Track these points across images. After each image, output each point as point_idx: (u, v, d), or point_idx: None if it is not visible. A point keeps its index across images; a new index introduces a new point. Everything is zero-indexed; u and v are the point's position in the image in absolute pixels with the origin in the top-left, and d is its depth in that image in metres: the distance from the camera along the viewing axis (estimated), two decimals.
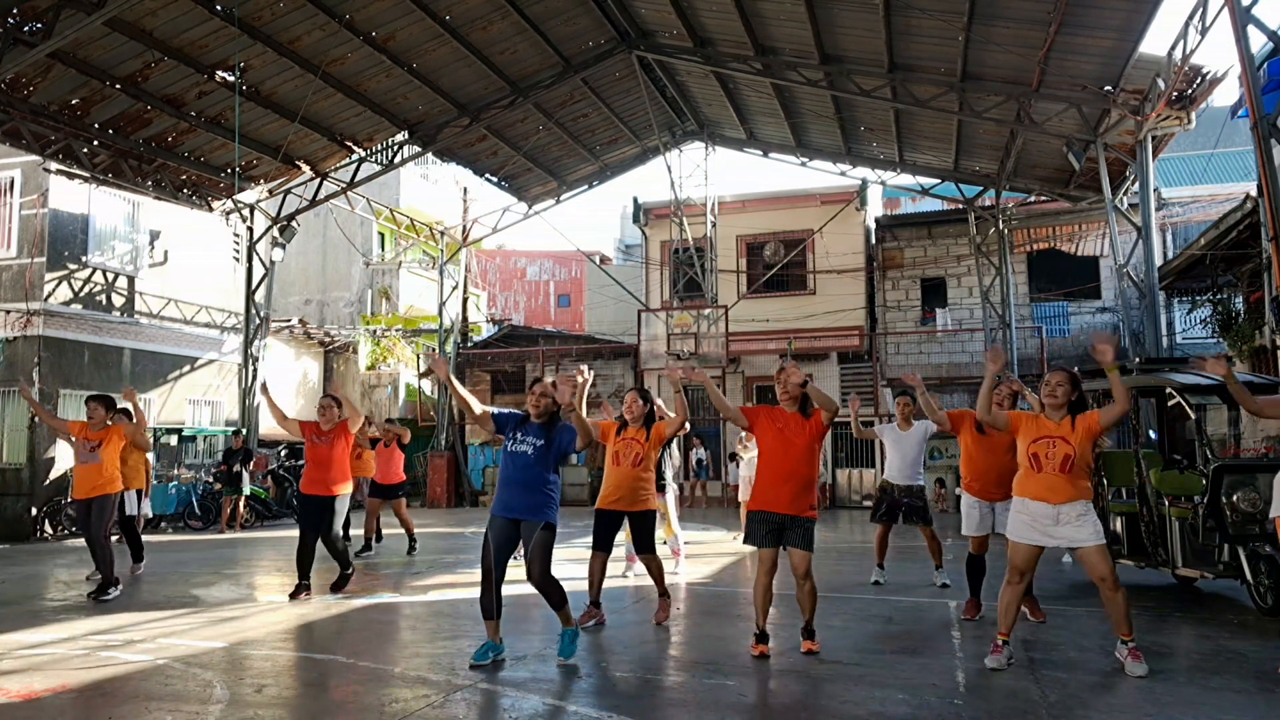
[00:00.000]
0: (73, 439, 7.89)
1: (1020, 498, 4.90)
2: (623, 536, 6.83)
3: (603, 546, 6.19)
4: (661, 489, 8.26)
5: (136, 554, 9.27)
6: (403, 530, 10.66)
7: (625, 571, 8.38)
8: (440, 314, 21.29)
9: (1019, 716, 4.07)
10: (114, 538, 12.14)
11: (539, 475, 5.01)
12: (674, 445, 8.90)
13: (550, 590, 5.02)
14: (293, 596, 7.38)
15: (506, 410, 5.31)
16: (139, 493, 9.62)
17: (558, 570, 5.17)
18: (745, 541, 5.34)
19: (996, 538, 6.34)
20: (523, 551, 5.08)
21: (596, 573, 6.17)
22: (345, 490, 7.61)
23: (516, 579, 5.45)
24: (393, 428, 10.80)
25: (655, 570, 6.29)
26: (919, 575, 8.10)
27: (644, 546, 6.26)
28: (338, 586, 7.63)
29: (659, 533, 8.92)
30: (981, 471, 6.25)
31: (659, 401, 8.06)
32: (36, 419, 14.26)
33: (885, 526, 7.89)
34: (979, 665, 4.95)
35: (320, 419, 7.63)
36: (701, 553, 10.35)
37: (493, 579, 4.99)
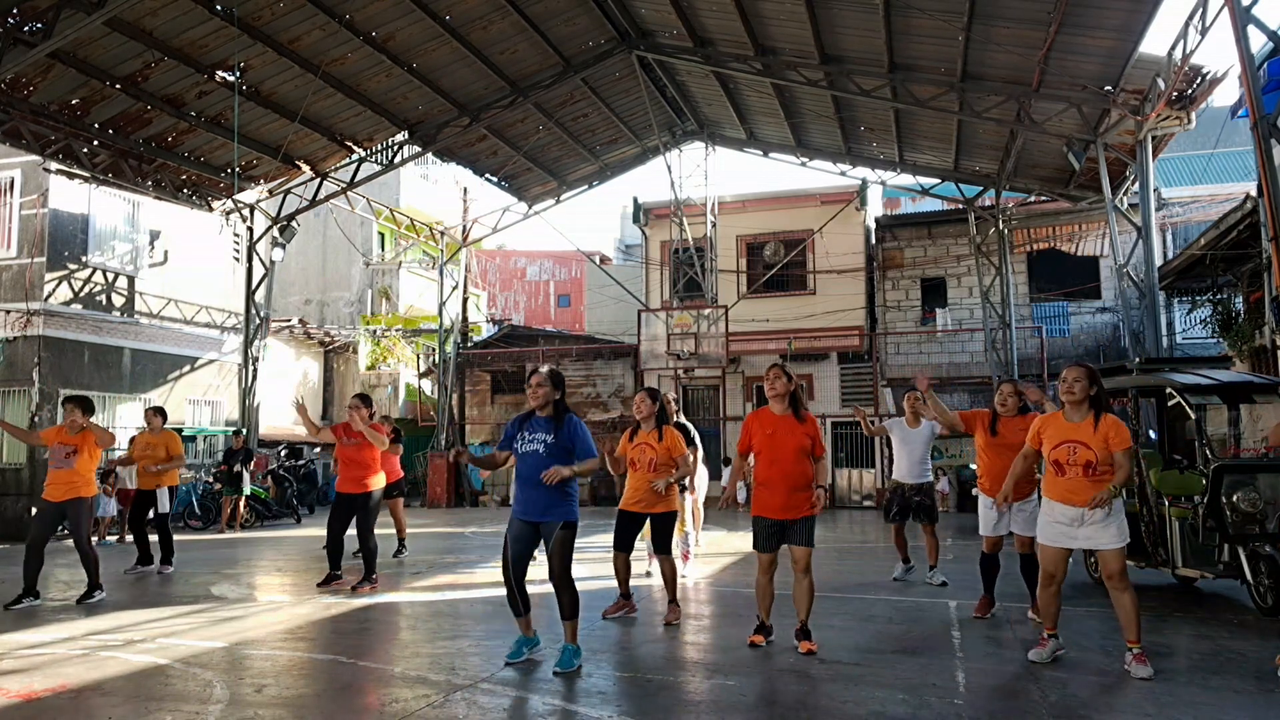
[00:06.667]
0: (48, 448, 7.43)
1: (1047, 499, 4.95)
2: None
3: (623, 546, 6.34)
4: (681, 488, 8.28)
5: (167, 554, 9.27)
6: (393, 530, 10.59)
7: (648, 569, 8.39)
8: (440, 314, 21.29)
9: (1019, 716, 4.08)
10: (113, 537, 12.12)
11: None
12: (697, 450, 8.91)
13: (566, 594, 4.89)
14: (321, 586, 7.61)
15: (506, 433, 5.17)
16: (171, 490, 9.58)
17: (579, 569, 5.15)
18: (753, 546, 5.42)
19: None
20: (544, 549, 5.00)
21: (621, 569, 6.38)
22: (378, 484, 7.82)
23: (533, 578, 5.44)
24: (385, 425, 10.77)
25: (668, 573, 6.37)
26: (919, 575, 8.10)
27: (661, 546, 6.39)
28: (359, 586, 7.65)
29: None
30: (996, 472, 6.20)
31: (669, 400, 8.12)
32: (36, 420, 14.27)
33: (900, 525, 7.97)
34: (979, 665, 4.96)
35: (349, 419, 7.77)
36: (702, 552, 10.34)
37: (512, 580, 4.95)
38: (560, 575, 4.88)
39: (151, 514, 9.47)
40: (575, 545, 5.00)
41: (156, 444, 9.35)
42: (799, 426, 5.26)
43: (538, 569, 5.10)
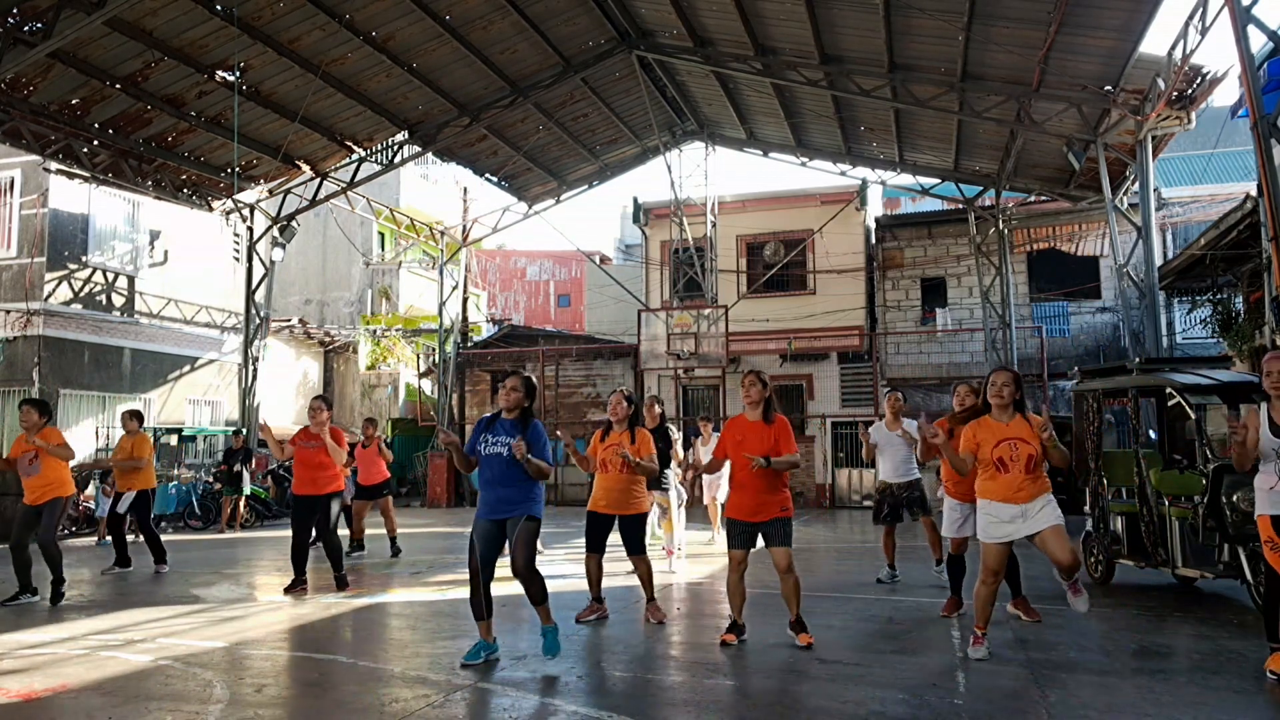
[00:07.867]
0: (16, 461, 7.43)
1: (986, 500, 5.02)
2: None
3: (596, 548, 6.30)
4: (663, 487, 8.29)
5: (157, 555, 9.28)
6: (384, 530, 10.52)
7: (631, 571, 8.40)
8: (440, 314, 21.29)
9: (1019, 716, 4.08)
10: (106, 535, 12.06)
11: (516, 474, 4.98)
12: (677, 446, 8.88)
13: (532, 582, 4.97)
14: (287, 591, 7.59)
15: (472, 436, 5.24)
16: (143, 494, 9.41)
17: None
18: (727, 545, 5.48)
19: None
20: (509, 545, 5.04)
21: (594, 572, 6.31)
22: (336, 485, 7.82)
23: (509, 577, 5.43)
24: (369, 428, 10.72)
25: (644, 573, 6.35)
26: (919, 575, 8.10)
27: (634, 548, 6.33)
28: (339, 587, 7.68)
29: (659, 530, 8.93)
30: (960, 474, 6.20)
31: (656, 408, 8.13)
32: None
33: (890, 527, 7.93)
34: (979, 665, 4.96)
35: (310, 421, 7.77)
36: (701, 552, 10.33)
37: (479, 580, 4.98)
38: (524, 565, 4.94)
39: (133, 518, 9.48)
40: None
41: (125, 446, 9.35)
42: (767, 431, 5.33)
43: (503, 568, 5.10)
